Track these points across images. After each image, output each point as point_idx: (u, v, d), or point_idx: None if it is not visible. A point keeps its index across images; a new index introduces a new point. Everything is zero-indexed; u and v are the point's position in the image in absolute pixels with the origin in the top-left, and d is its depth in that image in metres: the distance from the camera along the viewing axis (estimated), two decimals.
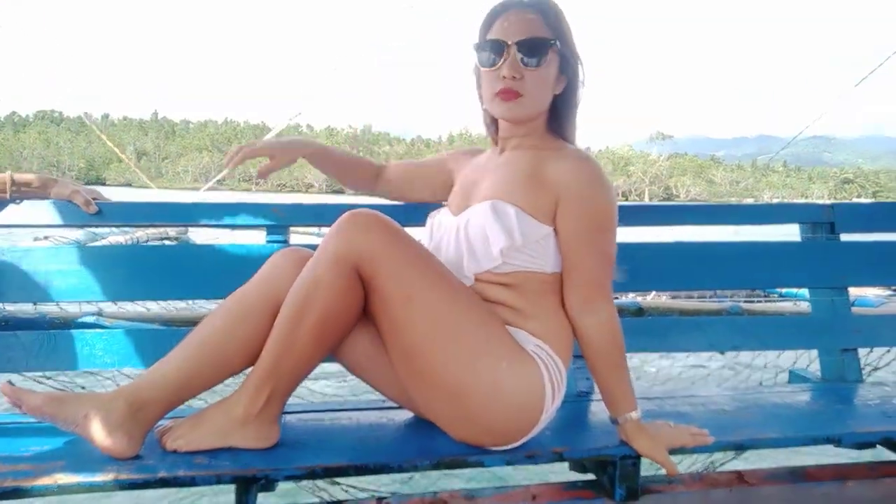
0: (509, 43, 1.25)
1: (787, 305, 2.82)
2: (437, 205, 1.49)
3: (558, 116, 1.33)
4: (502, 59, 1.25)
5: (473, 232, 1.23)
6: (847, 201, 2.44)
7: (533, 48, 1.24)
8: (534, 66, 1.25)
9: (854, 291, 1.83)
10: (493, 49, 1.26)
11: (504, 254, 1.21)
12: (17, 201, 1.50)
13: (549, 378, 1.19)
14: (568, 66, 1.29)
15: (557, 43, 1.26)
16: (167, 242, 3.42)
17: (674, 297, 3.01)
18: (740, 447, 1.31)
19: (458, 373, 1.14)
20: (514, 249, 1.21)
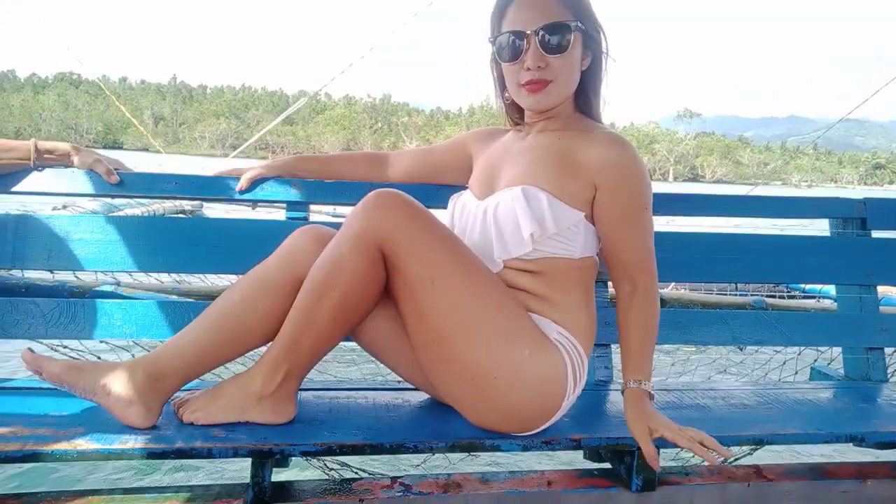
0: (528, 32, 1.20)
1: (810, 303, 2.78)
2: (457, 187, 1.47)
3: (585, 93, 1.29)
4: (524, 51, 1.21)
5: (503, 217, 1.21)
6: (880, 197, 2.36)
7: (555, 34, 1.20)
8: (558, 52, 1.21)
9: (881, 290, 1.78)
10: (512, 41, 1.22)
11: (535, 240, 1.18)
12: (40, 169, 1.50)
13: (571, 367, 1.18)
14: (591, 41, 1.25)
15: (579, 23, 1.22)
16: (184, 216, 3.42)
17: (692, 290, 2.98)
18: (759, 442, 1.29)
19: (480, 359, 1.13)
20: (546, 236, 1.19)
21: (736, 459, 2.11)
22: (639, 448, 1.21)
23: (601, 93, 1.30)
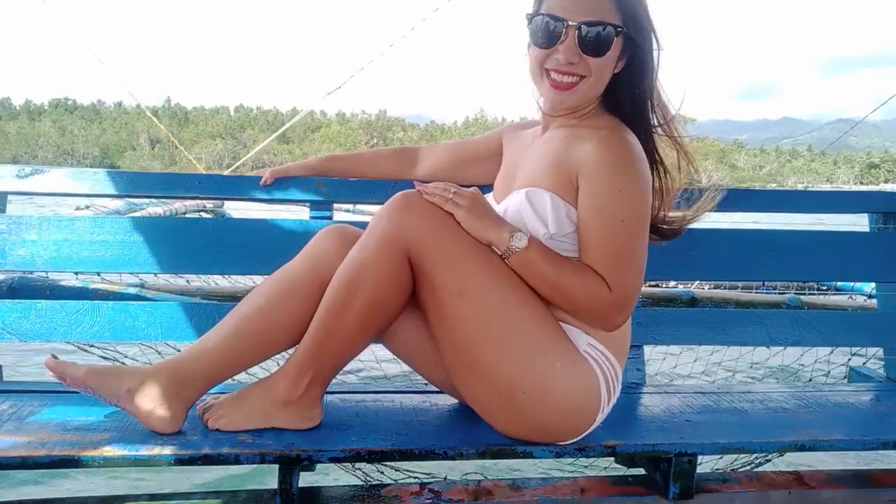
0: (570, 23, 1.11)
1: (844, 299, 2.70)
2: (485, 187, 1.43)
3: (614, 95, 1.19)
4: (559, 41, 1.12)
5: (512, 221, 1.15)
6: None
7: (596, 33, 1.11)
8: (595, 54, 1.12)
9: None
10: (550, 26, 1.12)
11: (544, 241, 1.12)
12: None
13: (604, 380, 1.13)
14: (633, 44, 1.15)
15: (625, 28, 1.12)
16: (204, 215, 3.42)
17: (716, 287, 2.90)
18: (802, 448, 1.23)
19: (510, 372, 1.09)
20: (552, 239, 1.13)
21: (767, 460, 2.06)
22: (676, 455, 1.18)
23: (637, 98, 1.19)
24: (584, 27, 1.11)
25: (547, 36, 1.13)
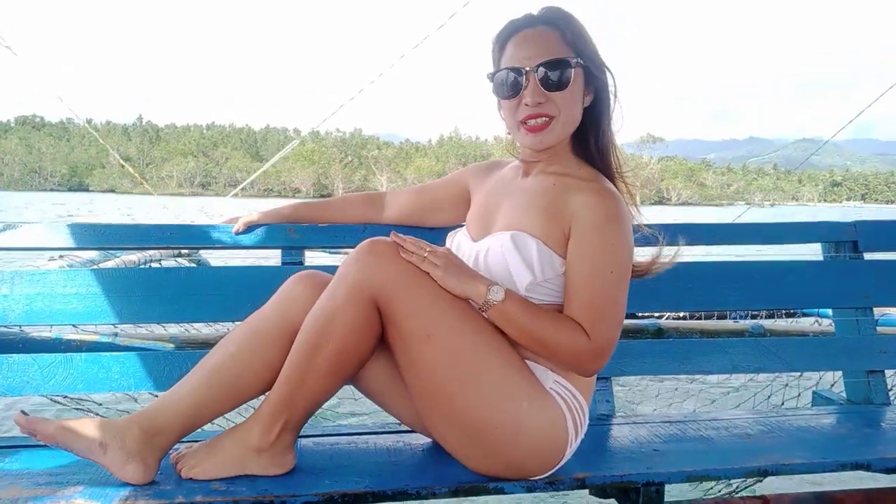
0: (527, 69, 1.18)
1: (808, 322, 2.77)
2: (454, 227, 1.47)
3: (584, 133, 1.24)
4: (523, 87, 1.19)
5: (494, 263, 1.19)
6: (870, 220, 2.37)
7: (555, 70, 1.17)
8: (558, 89, 1.18)
9: (881, 309, 1.79)
10: (511, 78, 1.19)
11: (527, 289, 1.17)
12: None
13: (570, 416, 1.16)
14: (594, 78, 1.22)
15: (580, 59, 1.19)
16: (180, 260, 3.43)
17: (682, 317, 2.96)
18: (765, 473, 1.28)
19: (479, 413, 1.11)
20: (536, 284, 1.17)
21: (738, 491, 2.09)
22: (644, 485, 1.21)
23: (606, 137, 1.25)
24: (541, 68, 1.18)
25: (511, 87, 1.21)
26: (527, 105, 1.20)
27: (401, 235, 1.16)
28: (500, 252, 1.18)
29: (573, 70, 1.19)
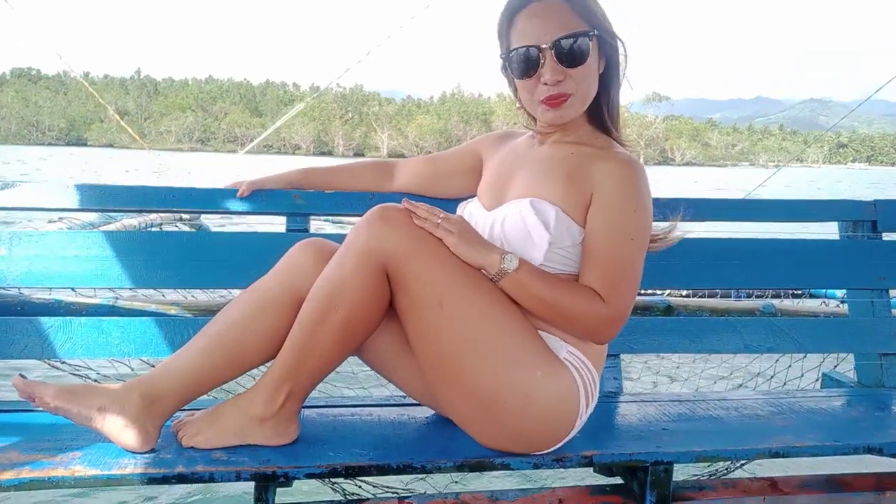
0: (544, 46, 1.14)
1: (815, 304, 2.74)
2: (465, 197, 1.43)
3: (598, 100, 1.22)
4: (539, 66, 1.15)
5: (512, 231, 1.16)
6: (891, 199, 2.31)
7: (571, 45, 1.13)
8: (575, 65, 1.15)
9: (892, 292, 1.75)
10: (527, 56, 1.15)
11: (546, 256, 1.14)
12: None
13: (583, 387, 1.14)
14: (607, 46, 1.19)
15: (595, 31, 1.15)
16: (181, 225, 3.39)
17: (694, 295, 2.93)
18: (776, 455, 1.25)
19: (490, 382, 1.09)
20: (555, 250, 1.14)
21: (742, 465, 2.08)
22: (652, 464, 1.19)
23: (616, 99, 1.24)
24: (557, 44, 1.14)
25: (528, 66, 1.17)
26: (545, 84, 1.16)
27: (413, 202, 1.13)
28: (518, 218, 1.15)
29: (590, 42, 1.15)
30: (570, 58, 1.14)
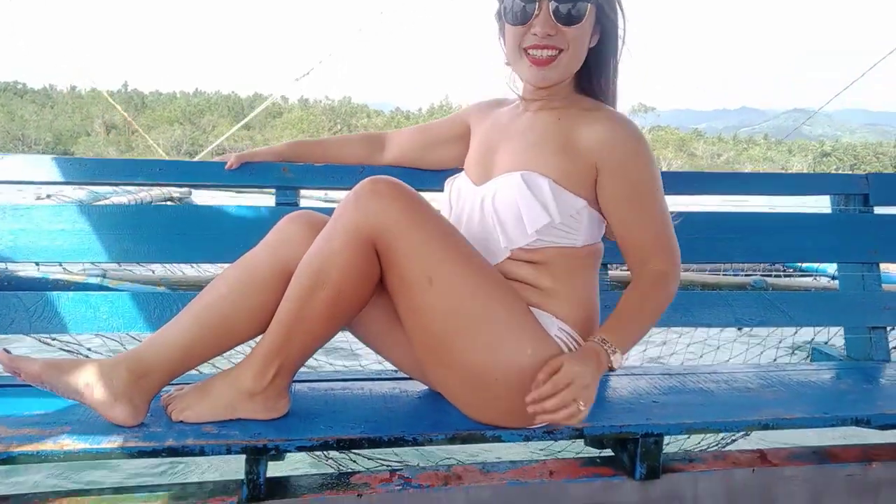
0: None
1: (808, 280, 2.76)
2: (454, 170, 1.42)
3: (588, 72, 1.20)
4: (533, 14, 1.13)
5: (503, 206, 1.14)
6: (883, 172, 2.34)
7: (568, 3, 1.11)
8: (570, 23, 1.13)
9: (883, 267, 1.76)
10: (521, 3, 1.13)
11: (539, 231, 1.13)
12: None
13: None
14: (605, 18, 1.17)
15: None
16: (170, 204, 3.36)
17: (686, 269, 2.94)
18: (765, 427, 1.26)
19: (480, 359, 1.09)
20: (552, 226, 1.13)
21: (733, 440, 2.10)
22: (643, 436, 1.19)
23: (610, 78, 1.21)
24: None
25: (521, 13, 1.14)
26: (535, 35, 1.14)
27: (538, 391, 1.01)
28: (510, 194, 1.14)
29: (588, 5, 1.13)
30: (565, 15, 1.12)
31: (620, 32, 1.19)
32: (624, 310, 1.13)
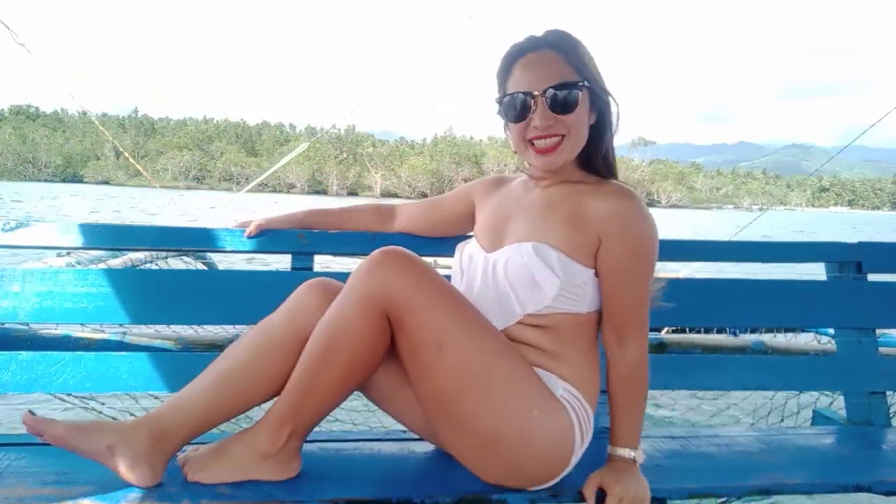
0: (535, 93, 1.19)
1: (808, 339, 2.77)
2: (462, 237, 1.49)
3: (589, 150, 1.27)
4: (531, 111, 1.21)
5: (516, 274, 1.20)
6: (875, 241, 2.39)
7: (562, 93, 1.19)
8: (566, 112, 1.20)
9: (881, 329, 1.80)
10: (520, 101, 1.21)
11: (554, 299, 1.18)
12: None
13: (578, 424, 1.18)
14: (598, 100, 1.24)
15: (586, 83, 1.21)
16: (186, 259, 3.44)
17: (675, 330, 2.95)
18: (766, 492, 1.28)
19: (488, 421, 1.13)
20: (561, 293, 1.19)
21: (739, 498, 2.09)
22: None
23: (610, 150, 1.29)
24: (549, 91, 1.19)
25: (520, 109, 1.22)
26: (535, 127, 1.22)
27: None
28: (522, 262, 1.20)
29: (580, 92, 1.21)
30: (561, 105, 1.20)
31: (613, 119, 1.27)
32: (621, 411, 1.22)
